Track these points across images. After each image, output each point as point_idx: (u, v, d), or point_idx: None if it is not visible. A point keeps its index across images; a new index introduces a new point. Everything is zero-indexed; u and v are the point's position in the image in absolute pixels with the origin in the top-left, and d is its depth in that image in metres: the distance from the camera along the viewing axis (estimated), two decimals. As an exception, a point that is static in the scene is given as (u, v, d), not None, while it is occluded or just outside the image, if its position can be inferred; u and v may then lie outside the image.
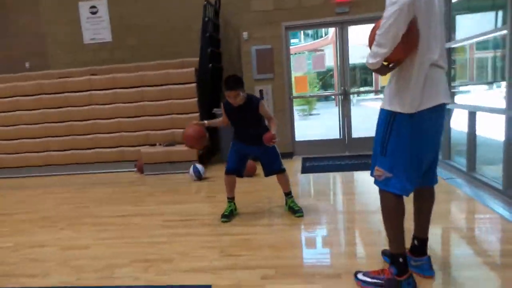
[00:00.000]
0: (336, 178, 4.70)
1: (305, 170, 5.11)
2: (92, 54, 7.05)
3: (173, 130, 5.81)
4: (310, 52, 21.79)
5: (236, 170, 3.34)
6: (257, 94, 5.86)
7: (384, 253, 2.37)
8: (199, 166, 5.01)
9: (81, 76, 6.23)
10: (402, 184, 1.90)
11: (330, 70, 20.28)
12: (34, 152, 6.14)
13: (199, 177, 4.93)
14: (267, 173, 3.41)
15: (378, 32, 1.75)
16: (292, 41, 20.25)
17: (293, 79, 6.10)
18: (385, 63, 1.88)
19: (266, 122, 3.31)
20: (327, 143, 6.12)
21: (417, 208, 2.12)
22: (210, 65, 5.74)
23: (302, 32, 19.74)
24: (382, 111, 1.97)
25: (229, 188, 3.41)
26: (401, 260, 1.93)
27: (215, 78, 6.20)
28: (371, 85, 18.30)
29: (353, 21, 5.61)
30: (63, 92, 6.09)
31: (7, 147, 6.21)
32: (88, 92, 6.02)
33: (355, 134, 5.96)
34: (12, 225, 3.72)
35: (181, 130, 5.72)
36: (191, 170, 4.98)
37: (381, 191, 1.99)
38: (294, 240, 2.80)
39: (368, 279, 2.03)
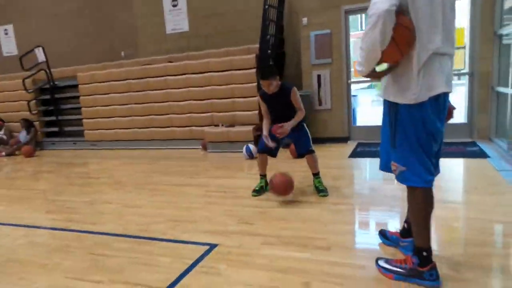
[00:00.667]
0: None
1: (354, 154, 5.13)
2: (172, 43, 7.88)
3: (234, 112, 6.29)
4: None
5: (266, 151, 3.64)
6: (315, 79, 5.99)
7: (380, 232, 2.46)
8: (251, 146, 5.41)
9: (160, 63, 7.09)
10: (418, 175, 1.86)
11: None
12: (123, 128, 7.26)
13: (250, 156, 5.33)
14: (298, 155, 3.64)
15: (360, 45, 1.74)
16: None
17: (352, 64, 6.03)
18: (378, 69, 1.85)
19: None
20: (386, 129, 5.94)
21: None
22: (269, 51, 6.01)
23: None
24: (385, 102, 1.95)
25: (260, 166, 3.73)
26: (424, 254, 1.90)
27: (277, 64, 6.45)
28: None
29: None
30: (145, 78, 7.02)
31: (104, 123, 7.45)
32: (164, 77, 6.84)
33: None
34: (95, 186, 4.64)
35: (241, 112, 6.24)
36: (244, 149, 5.42)
37: (407, 186, 1.94)
38: (308, 216, 2.99)
39: (390, 267, 2.02)
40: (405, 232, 2.23)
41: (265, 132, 3.55)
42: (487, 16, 4.87)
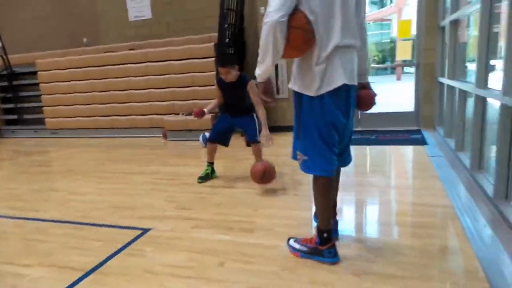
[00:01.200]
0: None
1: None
2: (135, 30, 7.78)
3: (195, 101, 6.34)
4: (374, 22, 20.65)
5: (217, 140, 3.76)
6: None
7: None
8: (207, 134, 5.48)
9: (122, 51, 7.02)
10: (318, 165, 1.95)
11: (393, 41, 19.11)
12: (85, 116, 7.19)
13: (206, 144, 5.42)
14: (247, 143, 3.77)
15: (259, 50, 1.84)
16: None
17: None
18: None
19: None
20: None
21: None
22: (227, 40, 6.06)
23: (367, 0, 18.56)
24: (293, 92, 2.02)
25: (208, 154, 3.85)
26: (325, 235, 2.05)
27: (237, 53, 6.50)
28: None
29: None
30: (106, 65, 6.95)
31: (65, 111, 7.35)
32: (125, 65, 6.80)
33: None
34: (46, 174, 4.65)
35: (202, 101, 6.29)
36: (200, 138, 5.50)
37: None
38: (243, 202, 3.11)
39: (297, 246, 2.16)
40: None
41: (208, 107, 3.73)
42: (432, 9, 5.07)
